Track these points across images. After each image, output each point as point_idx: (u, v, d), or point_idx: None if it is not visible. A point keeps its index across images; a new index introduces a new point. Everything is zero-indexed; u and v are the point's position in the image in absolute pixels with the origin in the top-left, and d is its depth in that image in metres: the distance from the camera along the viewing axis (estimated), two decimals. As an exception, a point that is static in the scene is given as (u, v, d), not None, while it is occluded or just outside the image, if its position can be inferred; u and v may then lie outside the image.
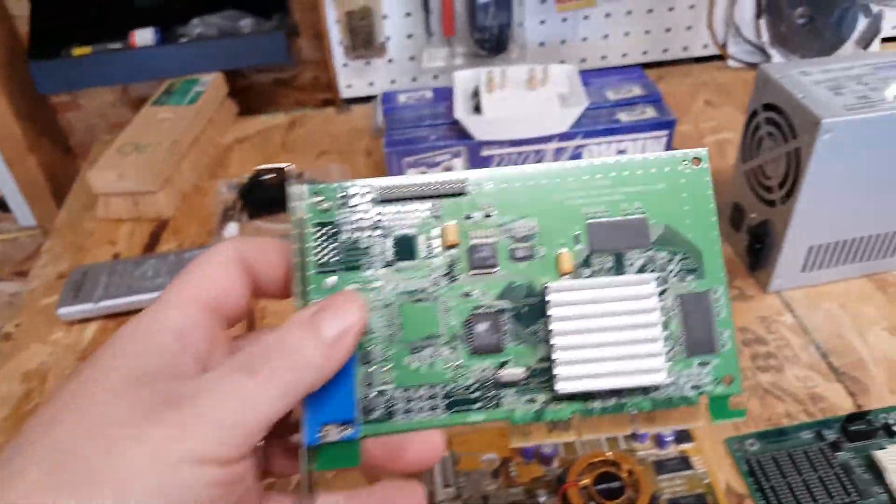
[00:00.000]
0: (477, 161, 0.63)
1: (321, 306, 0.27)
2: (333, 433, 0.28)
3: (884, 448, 0.43)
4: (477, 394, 0.29)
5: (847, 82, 0.49)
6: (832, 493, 0.41)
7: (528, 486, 0.42)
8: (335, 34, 0.78)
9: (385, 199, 0.30)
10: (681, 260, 0.29)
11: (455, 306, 0.29)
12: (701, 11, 0.82)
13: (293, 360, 0.24)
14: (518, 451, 0.44)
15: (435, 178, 0.31)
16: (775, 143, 0.50)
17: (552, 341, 0.28)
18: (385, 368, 0.29)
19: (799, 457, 0.42)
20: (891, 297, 0.53)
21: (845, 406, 0.46)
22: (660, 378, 0.28)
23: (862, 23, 0.75)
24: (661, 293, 0.29)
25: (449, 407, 0.29)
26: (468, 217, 0.31)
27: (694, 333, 0.28)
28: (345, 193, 0.30)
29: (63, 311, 0.57)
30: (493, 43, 0.72)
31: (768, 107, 0.50)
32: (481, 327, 0.29)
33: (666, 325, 0.29)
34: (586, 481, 0.41)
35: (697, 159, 0.30)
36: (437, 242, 0.30)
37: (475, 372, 0.29)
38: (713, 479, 0.42)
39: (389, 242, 0.30)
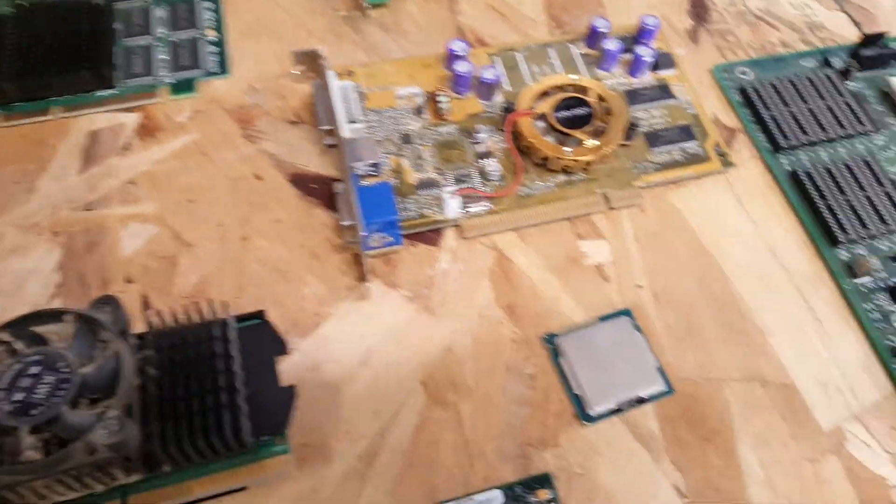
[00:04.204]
0: None
1: None
2: None
3: (899, 75, 0.35)
4: None
5: None
6: (843, 123, 0.32)
7: (463, 124, 0.31)
8: None
9: None
10: None
11: None
12: None
13: None
14: (448, 83, 0.32)
15: None
16: None
17: None
18: None
19: (804, 85, 0.33)
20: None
21: (849, 36, 0.37)
22: None
23: None
24: None
25: None
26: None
27: None
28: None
29: None
30: None
31: None
32: None
33: None
34: (544, 108, 0.31)
35: None
36: None
37: None
38: (699, 110, 0.32)
39: None
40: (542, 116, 0.31)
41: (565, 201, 0.30)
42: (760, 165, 0.32)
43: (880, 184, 0.30)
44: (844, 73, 0.34)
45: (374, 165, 0.29)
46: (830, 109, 0.32)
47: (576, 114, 0.31)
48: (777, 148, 0.31)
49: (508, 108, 0.31)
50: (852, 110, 0.32)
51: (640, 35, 0.34)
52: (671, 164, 0.31)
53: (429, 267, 0.28)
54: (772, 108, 0.32)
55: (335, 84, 0.30)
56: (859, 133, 0.32)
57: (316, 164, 0.30)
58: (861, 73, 0.34)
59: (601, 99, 0.31)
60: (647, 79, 0.33)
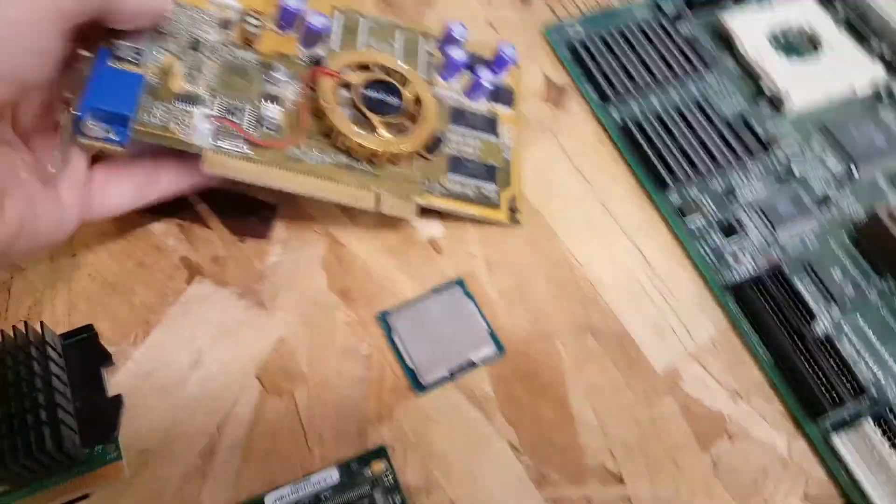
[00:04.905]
0: None
1: None
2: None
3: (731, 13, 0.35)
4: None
5: None
6: (674, 68, 0.32)
7: (267, 58, 0.28)
8: None
9: None
10: None
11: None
12: None
13: None
14: (275, 13, 0.29)
15: None
16: None
17: None
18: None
19: (634, 35, 0.33)
20: None
21: (686, -21, 0.37)
22: None
23: None
24: None
25: None
26: None
27: None
28: None
29: None
30: None
31: None
32: None
33: None
34: (355, 80, 0.29)
35: None
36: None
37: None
38: (515, 159, 0.30)
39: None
40: (349, 87, 0.29)
41: (334, 184, 0.27)
42: (591, 120, 0.32)
43: (711, 123, 0.31)
44: (676, 18, 0.34)
45: (139, 53, 0.26)
46: (662, 56, 0.33)
47: (384, 99, 0.29)
48: (605, 99, 0.32)
49: (318, 62, 0.29)
50: (684, 54, 0.33)
51: (495, 61, 0.32)
52: (460, 195, 0.29)
53: (259, 261, 0.28)
54: (601, 61, 0.32)
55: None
56: (690, 75, 0.32)
57: (150, 174, 0.30)
58: (693, 15, 0.35)
59: (417, 100, 0.30)
60: (481, 105, 0.31)
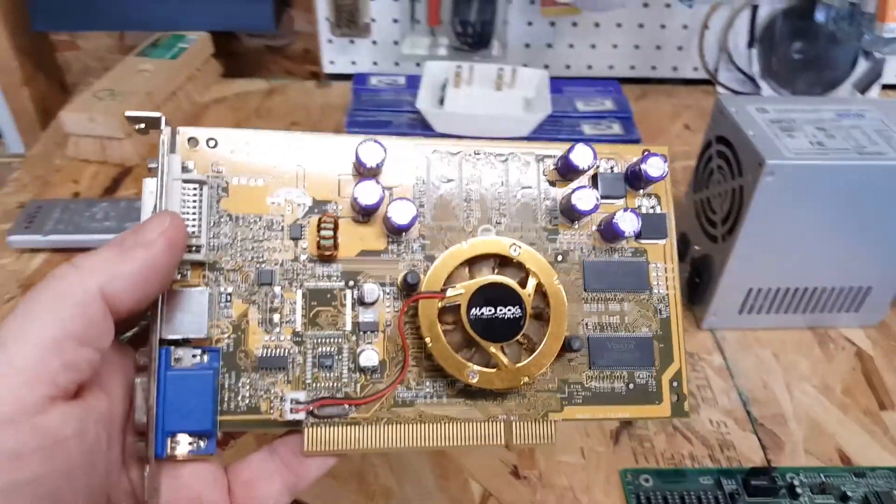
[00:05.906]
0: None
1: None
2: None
3: (781, 507, 0.41)
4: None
5: (804, 125, 0.47)
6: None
7: (350, 264, 0.24)
8: (322, 8, 0.77)
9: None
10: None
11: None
12: (694, 33, 0.78)
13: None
14: (355, 206, 0.25)
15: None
16: (723, 178, 0.48)
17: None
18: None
19: (691, 502, 0.41)
20: (829, 354, 0.51)
21: (755, 458, 0.44)
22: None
23: (862, 66, 0.72)
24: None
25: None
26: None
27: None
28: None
29: (12, 238, 0.57)
30: (474, 38, 0.70)
31: (720, 139, 0.48)
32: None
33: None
34: (459, 295, 0.23)
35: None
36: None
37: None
38: (674, 310, 0.26)
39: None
40: (454, 307, 0.24)
41: (456, 425, 0.24)
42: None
43: None
44: (732, 497, 0.41)
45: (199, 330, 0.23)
46: (711, 530, 0.39)
47: (499, 315, 0.23)
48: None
49: (411, 284, 0.24)
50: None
51: (634, 173, 0.27)
52: (607, 395, 0.24)
53: None
54: (656, 520, 0.40)
55: (173, 166, 0.23)
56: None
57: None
58: (749, 499, 0.41)
59: (540, 289, 0.24)
60: (622, 247, 0.25)
